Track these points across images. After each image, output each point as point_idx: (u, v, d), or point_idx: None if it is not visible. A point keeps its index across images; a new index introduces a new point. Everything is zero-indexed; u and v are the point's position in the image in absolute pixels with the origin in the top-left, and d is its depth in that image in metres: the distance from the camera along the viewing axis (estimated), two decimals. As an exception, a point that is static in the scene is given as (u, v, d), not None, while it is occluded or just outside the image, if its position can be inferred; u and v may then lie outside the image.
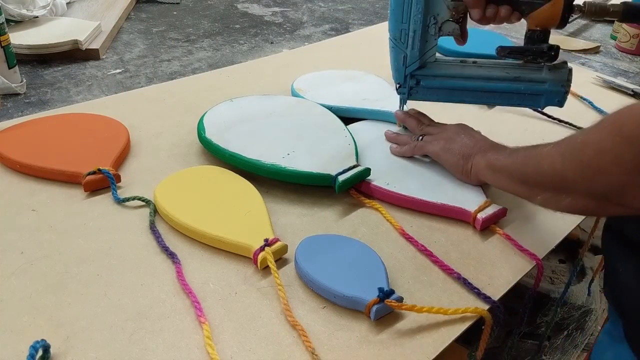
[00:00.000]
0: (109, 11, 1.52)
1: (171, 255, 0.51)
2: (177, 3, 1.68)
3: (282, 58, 1.03)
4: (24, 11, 1.35)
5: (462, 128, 0.64)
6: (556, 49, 0.61)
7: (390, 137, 0.71)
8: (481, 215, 0.56)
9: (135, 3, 1.64)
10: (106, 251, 0.52)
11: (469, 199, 0.58)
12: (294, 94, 0.80)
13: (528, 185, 0.50)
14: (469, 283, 0.50)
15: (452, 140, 0.62)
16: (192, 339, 0.43)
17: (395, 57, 0.66)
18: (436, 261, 0.52)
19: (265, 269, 0.50)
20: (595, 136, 0.41)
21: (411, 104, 0.73)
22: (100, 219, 0.56)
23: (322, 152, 0.63)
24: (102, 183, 0.60)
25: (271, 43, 1.20)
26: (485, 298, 0.48)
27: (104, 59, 1.14)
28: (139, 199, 0.58)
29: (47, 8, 1.41)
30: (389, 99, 0.77)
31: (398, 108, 0.73)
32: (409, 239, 0.55)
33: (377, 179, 0.61)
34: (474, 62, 0.67)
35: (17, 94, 1.05)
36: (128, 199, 0.58)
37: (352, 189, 0.62)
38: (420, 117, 0.71)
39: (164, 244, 0.52)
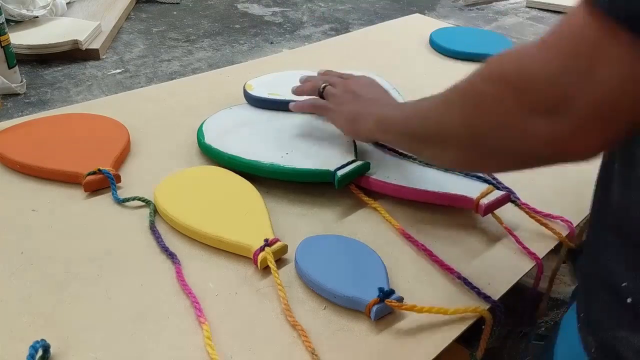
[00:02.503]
0: (109, 11, 1.52)
1: (171, 256, 0.51)
2: (177, 3, 1.68)
3: (282, 58, 1.03)
4: (24, 11, 1.35)
5: (365, 84, 0.63)
6: None
7: (294, 91, 0.68)
8: (484, 201, 0.56)
9: (135, 3, 1.65)
10: (106, 251, 0.52)
11: (471, 186, 0.58)
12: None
13: (416, 141, 0.48)
14: (469, 283, 0.50)
15: (345, 102, 0.61)
16: (192, 339, 0.43)
17: None
18: (436, 261, 0.52)
19: (265, 269, 0.50)
20: (474, 80, 0.37)
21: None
22: (100, 219, 0.56)
23: (320, 149, 0.64)
24: (102, 183, 0.60)
25: (271, 43, 1.20)
26: (486, 297, 0.48)
27: (104, 59, 1.14)
28: (139, 199, 0.58)
29: (47, 8, 1.41)
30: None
31: None
32: (409, 238, 0.55)
33: (377, 173, 0.61)
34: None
35: (17, 94, 1.05)
36: (128, 199, 0.58)
37: (352, 184, 0.61)
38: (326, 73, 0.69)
39: (164, 244, 0.52)
